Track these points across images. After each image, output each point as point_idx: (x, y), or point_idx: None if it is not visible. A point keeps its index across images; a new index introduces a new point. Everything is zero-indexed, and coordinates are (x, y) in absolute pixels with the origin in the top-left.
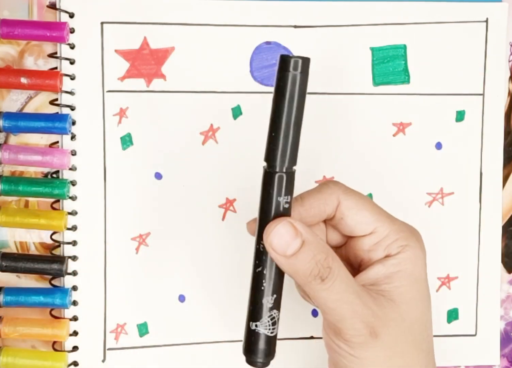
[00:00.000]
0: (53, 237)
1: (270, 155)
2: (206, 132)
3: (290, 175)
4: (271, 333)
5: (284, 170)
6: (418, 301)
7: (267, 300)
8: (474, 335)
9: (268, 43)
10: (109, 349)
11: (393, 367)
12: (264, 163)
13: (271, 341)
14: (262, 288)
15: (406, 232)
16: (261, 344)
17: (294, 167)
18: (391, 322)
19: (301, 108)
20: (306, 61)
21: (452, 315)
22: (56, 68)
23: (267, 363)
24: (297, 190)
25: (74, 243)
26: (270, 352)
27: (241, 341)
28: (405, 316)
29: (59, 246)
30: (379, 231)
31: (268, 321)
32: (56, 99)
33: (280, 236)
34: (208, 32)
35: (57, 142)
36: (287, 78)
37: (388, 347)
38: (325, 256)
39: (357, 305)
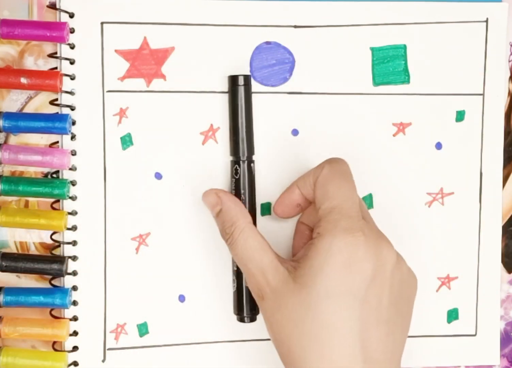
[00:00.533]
0: (53, 237)
1: (232, 149)
2: (206, 132)
3: (233, 163)
4: (233, 288)
5: (244, 159)
6: (308, 288)
7: (233, 265)
8: (474, 335)
9: (268, 43)
10: (109, 349)
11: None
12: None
13: (234, 297)
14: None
15: (331, 223)
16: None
17: (253, 157)
18: (276, 292)
19: (250, 110)
20: (247, 77)
21: (452, 315)
22: (56, 68)
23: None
24: None
25: (74, 243)
26: (236, 305)
27: (241, 341)
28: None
29: (59, 246)
30: (319, 213)
31: (232, 280)
32: (56, 99)
33: (208, 200)
34: (208, 32)
35: (57, 142)
36: (236, 91)
37: (270, 314)
38: (230, 224)
39: (249, 269)
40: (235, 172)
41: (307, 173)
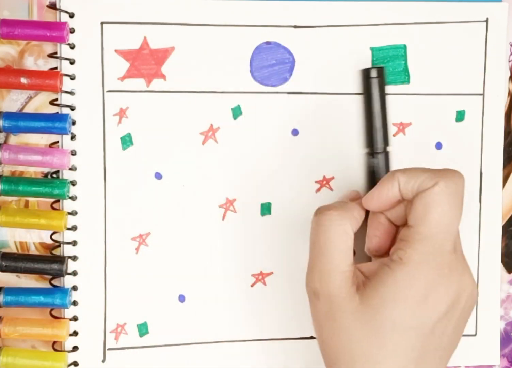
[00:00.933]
0: (53, 237)
1: (369, 142)
2: (206, 132)
3: (368, 155)
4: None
5: (380, 150)
6: (374, 313)
7: None
8: (474, 335)
9: (268, 43)
10: (109, 349)
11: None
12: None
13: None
14: None
15: (419, 253)
16: None
17: (388, 148)
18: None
19: (384, 102)
20: (381, 69)
21: None
22: (56, 68)
23: None
24: (297, 190)
25: (74, 243)
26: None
27: (241, 341)
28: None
29: (59, 246)
30: (410, 233)
31: None
32: (56, 99)
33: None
34: (208, 32)
35: (57, 142)
36: (370, 83)
37: (322, 317)
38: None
39: (320, 263)
40: (370, 165)
41: (413, 173)
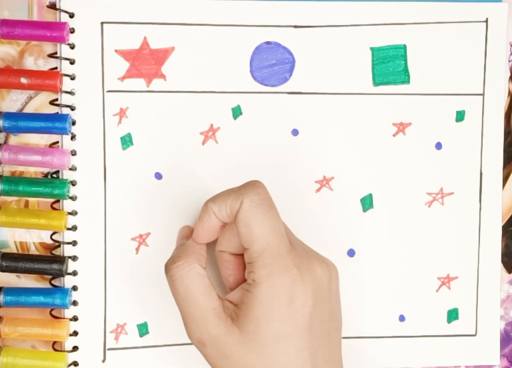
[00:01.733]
0: (53, 237)
1: None
2: (206, 132)
3: None
4: None
5: None
6: (255, 336)
7: None
8: (474, 335)
9: (268, 43)
10: (109, 349)
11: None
12: None
13: None
14: None
15: (264, 268)
16: None
17: None
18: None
19: None
20: None
21: (452, 315)
22: (56, 68)
23: None
24: (297, 190)
25: (74, 243)
26: None
27: None
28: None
29: (59, 246)
30: (249, 255)
31: None
32: (56, 99)
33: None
34: (208, 32)
35: (57, 142)
36: None
37: (215, 361)
38: (184, 254)
39: (191, 314)
40: None
41: (221, 199)
